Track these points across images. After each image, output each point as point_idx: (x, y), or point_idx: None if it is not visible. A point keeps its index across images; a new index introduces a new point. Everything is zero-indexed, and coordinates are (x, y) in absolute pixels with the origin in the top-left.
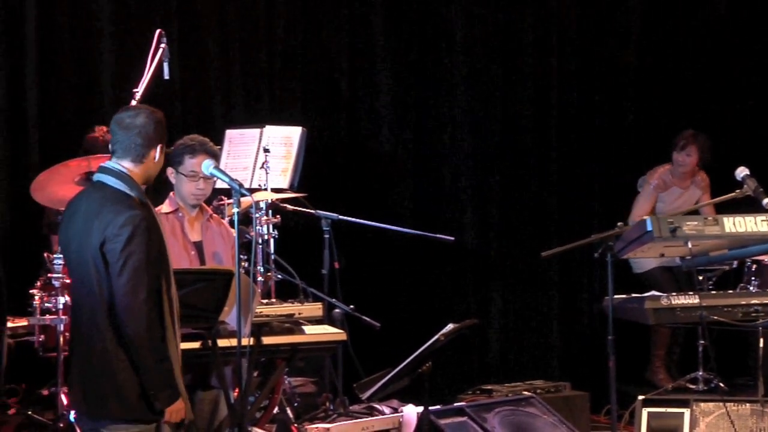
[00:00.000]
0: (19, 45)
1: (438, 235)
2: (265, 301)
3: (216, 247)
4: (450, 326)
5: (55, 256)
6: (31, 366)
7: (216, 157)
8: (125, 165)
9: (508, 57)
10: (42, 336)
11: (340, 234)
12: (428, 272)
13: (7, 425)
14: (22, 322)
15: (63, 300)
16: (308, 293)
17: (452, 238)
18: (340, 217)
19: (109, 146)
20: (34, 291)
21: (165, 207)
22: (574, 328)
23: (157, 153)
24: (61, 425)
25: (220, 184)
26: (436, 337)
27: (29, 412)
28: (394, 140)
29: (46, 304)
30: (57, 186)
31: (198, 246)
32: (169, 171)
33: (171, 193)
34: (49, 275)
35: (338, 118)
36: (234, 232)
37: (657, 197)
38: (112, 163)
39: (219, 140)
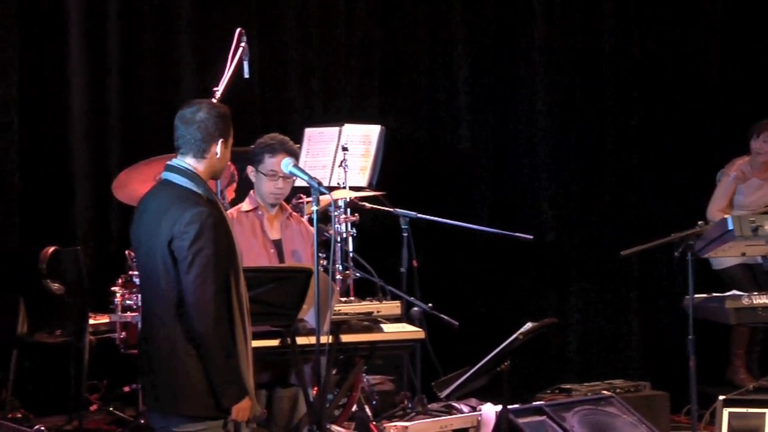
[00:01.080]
0: (101, 45)
1: (517, 234)
2: (343, 299)
3: (295, 245)
4: (529, 325)
5: None
6: (113, 363)
7: (295, 155)
8: (189, 162)
9: (587, 53)
10: (123, 333)
11: (418, 232)
12: (507, 271)
13: (88, 421)
14: (104, 319)
15: None
16: (387, 291)
17: (531, 237)
18: (419, 215)
19: (174, 143)
20: (116, 288)
21: (245, 205)
22: (654, 327)
23: (218, 148)
24: (142, 422)
25: (299, 183)
26: (514, 335)
27: (110, 409)
28: (473, 138)
29: (127, 301)
30: (138, 184)
31: (277, 244)
32: (249, 170)
33: (251, 191)
34: (130, 272)
35: (417, 116)
36: (313, 230)
37: (735, 189)
38: (178, 161)
39: (298, 138)
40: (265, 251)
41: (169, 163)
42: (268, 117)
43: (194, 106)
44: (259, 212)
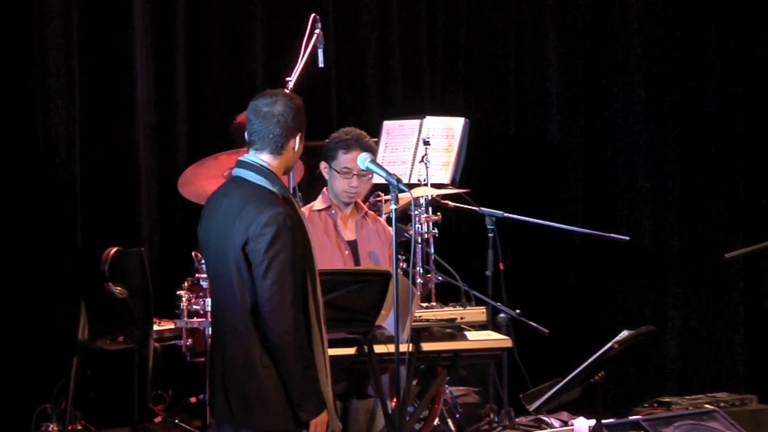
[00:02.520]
0: (167, 34)
1: (612, 235)
2: (424, 304)
3: (372, 246)
4: (624, 333)
5: None
6: (178, 371)
7: (372, 151)
8: (264, 158)
9: (688, 40)
10: (189, 340)
11: (505, 233)
12: (601, 274)
13: None
14: (169, 325)
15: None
16: (471, 296)
17: (627, 238)
18: (506, 214)
19: (246, 136)
20: (182, 292)
21: (317, 204)
22: (761, 335)
23: (296, 143)
24: None
25: (377, 179)
26: (609, 344)
27: (176, 420)
28: (564, 130)
29: (194, 306)
30: (205, 180)
31: (352, 245)
32: (323, 166)
33: (324, 189)
34: (197, 275)
35: (504, 107)
36: (391, 230)
37: None
38: (251, 157)
39: (376, 132)
40: (340, 253)
41: (241, 159)
42: (343, 109)
43: (270, 98)
44: (333, 211)
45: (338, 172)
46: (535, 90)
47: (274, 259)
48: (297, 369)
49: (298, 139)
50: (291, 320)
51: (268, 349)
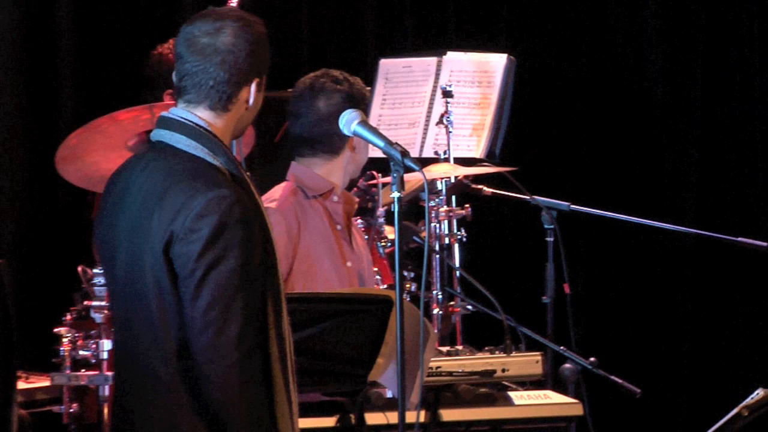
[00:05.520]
0: None
1: (742, 239)
2: (445, 348)
3: (358, 260)
4: (759, 392)
5: (96, 271)
6: None
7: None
8: (201, 114)
9: None
10: (75, 405)
11: (570, 235)
12: (724, 300)
13: None
14: (43, 382)
15: (109, 345)
16: (519, 336)
17: (765, 244)
18: (574, 207)
19: (174, 79)
20: (62, 329)
21: (277, 192)
22: None
23: (251, 94)
24: None
25: (372, 152)
26: (736, 410)
27: None
28: (671, 85)
29: (82, 352)
30: (99, 154)
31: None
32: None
33: (293, 171)
34: (86, 303)
35: (572, 47)
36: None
37: None
38: (181, 111)
39: (368, 77)
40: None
41: (164, 114)
42: (320, 40)
43: (213, 23)
44: (335, 197)
45: None
46: (626, 19)
47: (213, 267)
48: None
49: (254, 87)
50: (237, 365)
51: (203, 410)
